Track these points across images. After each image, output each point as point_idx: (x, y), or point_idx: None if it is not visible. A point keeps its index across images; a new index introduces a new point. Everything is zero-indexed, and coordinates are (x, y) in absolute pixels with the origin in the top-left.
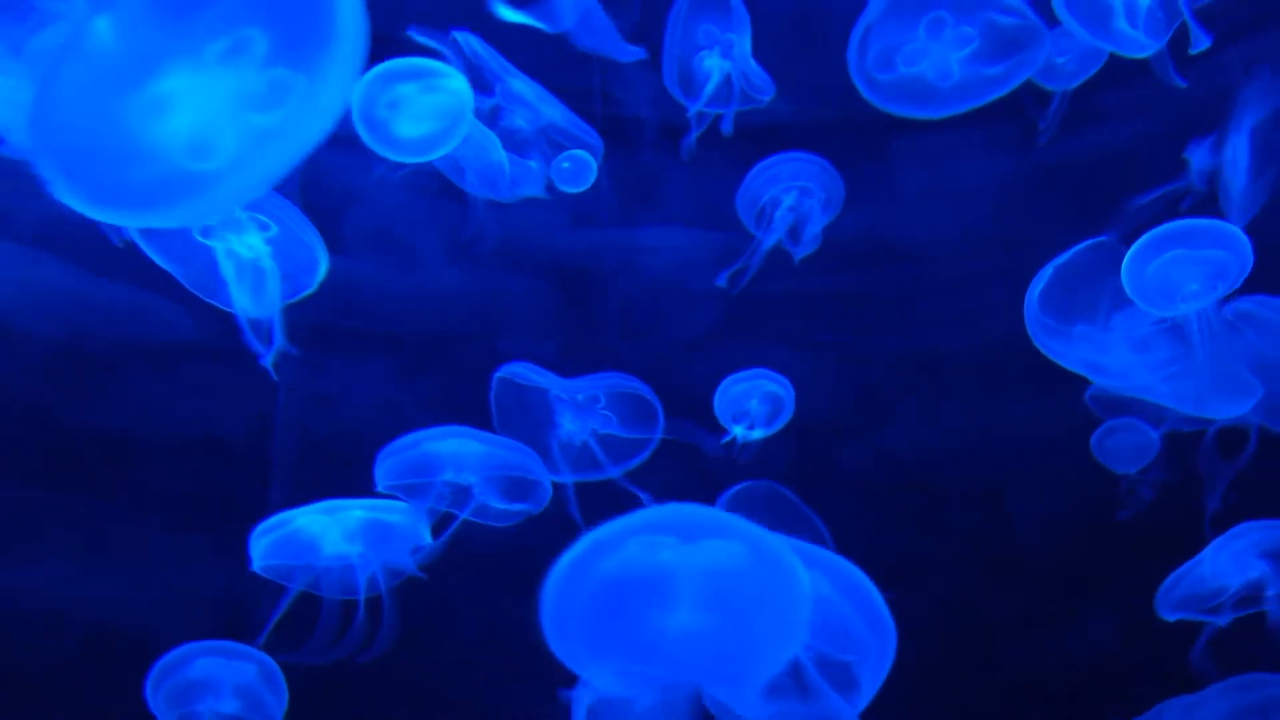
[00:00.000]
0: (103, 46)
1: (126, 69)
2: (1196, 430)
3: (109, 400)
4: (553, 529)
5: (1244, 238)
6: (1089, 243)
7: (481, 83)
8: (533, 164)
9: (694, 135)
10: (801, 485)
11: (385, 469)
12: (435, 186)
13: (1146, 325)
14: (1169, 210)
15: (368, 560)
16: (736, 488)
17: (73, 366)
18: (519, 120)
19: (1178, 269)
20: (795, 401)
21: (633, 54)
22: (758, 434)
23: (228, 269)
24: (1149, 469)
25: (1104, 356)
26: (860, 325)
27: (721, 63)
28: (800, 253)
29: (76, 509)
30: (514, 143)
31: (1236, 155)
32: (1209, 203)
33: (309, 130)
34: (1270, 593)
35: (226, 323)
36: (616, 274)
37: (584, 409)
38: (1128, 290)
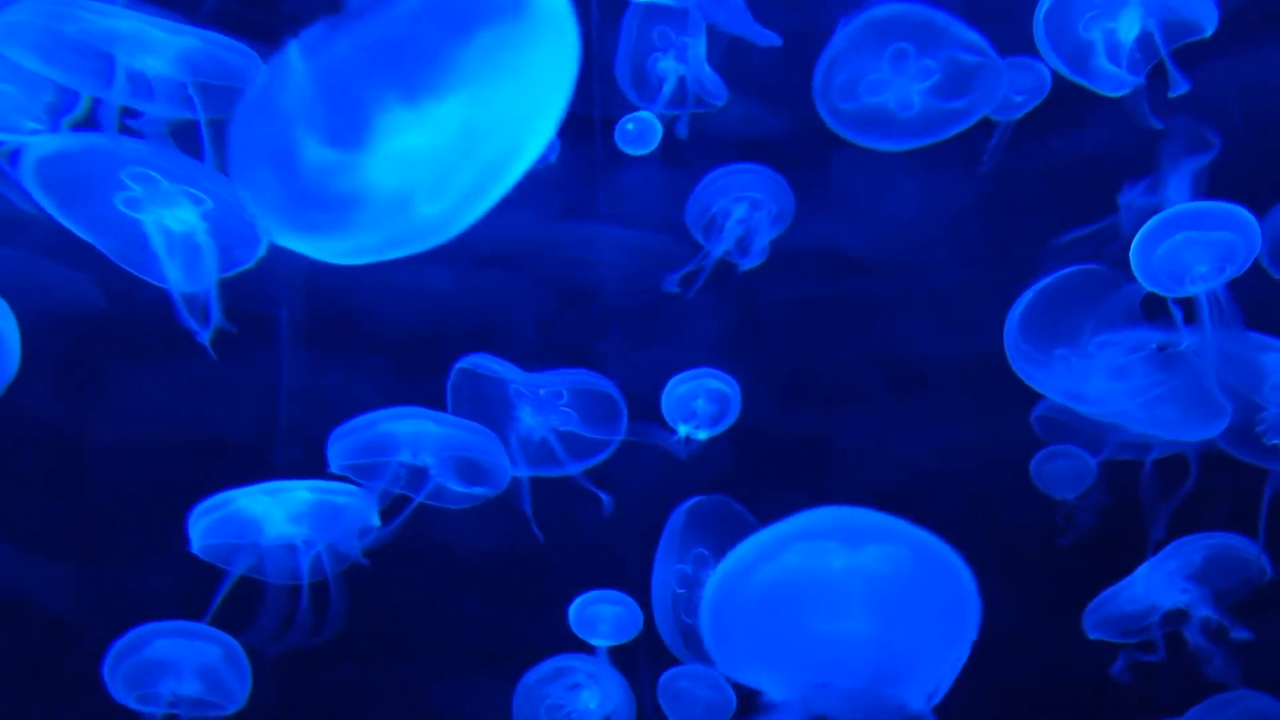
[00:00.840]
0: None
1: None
2: (1135, 459)
3: (109, 400)
4: (504, 521)
5: (1253, 220)
6: (1073, 268)
7: None
8: None
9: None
10: (752, 493)
11: (339, 449)
12: None
13: (1125, 353)
14: (1097, 251)
15: (313, 543)
16: (689, 502)
17: (72, 367)
18: None
19: (1186, 251)
20: (741, 401)
21: (768, 38)
22: (704, 434)
23: (158, 242)
24: (1087, 494)
25: (1082, 383)
26: (822, 336)
27: (676, 66)
28: (746, 264)
29: (82, 512)
30: None
31: (1176, 197)
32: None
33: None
34: (1195, 617)
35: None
36: (612, 275)
37: (545, 404)
38: (1136, 273)
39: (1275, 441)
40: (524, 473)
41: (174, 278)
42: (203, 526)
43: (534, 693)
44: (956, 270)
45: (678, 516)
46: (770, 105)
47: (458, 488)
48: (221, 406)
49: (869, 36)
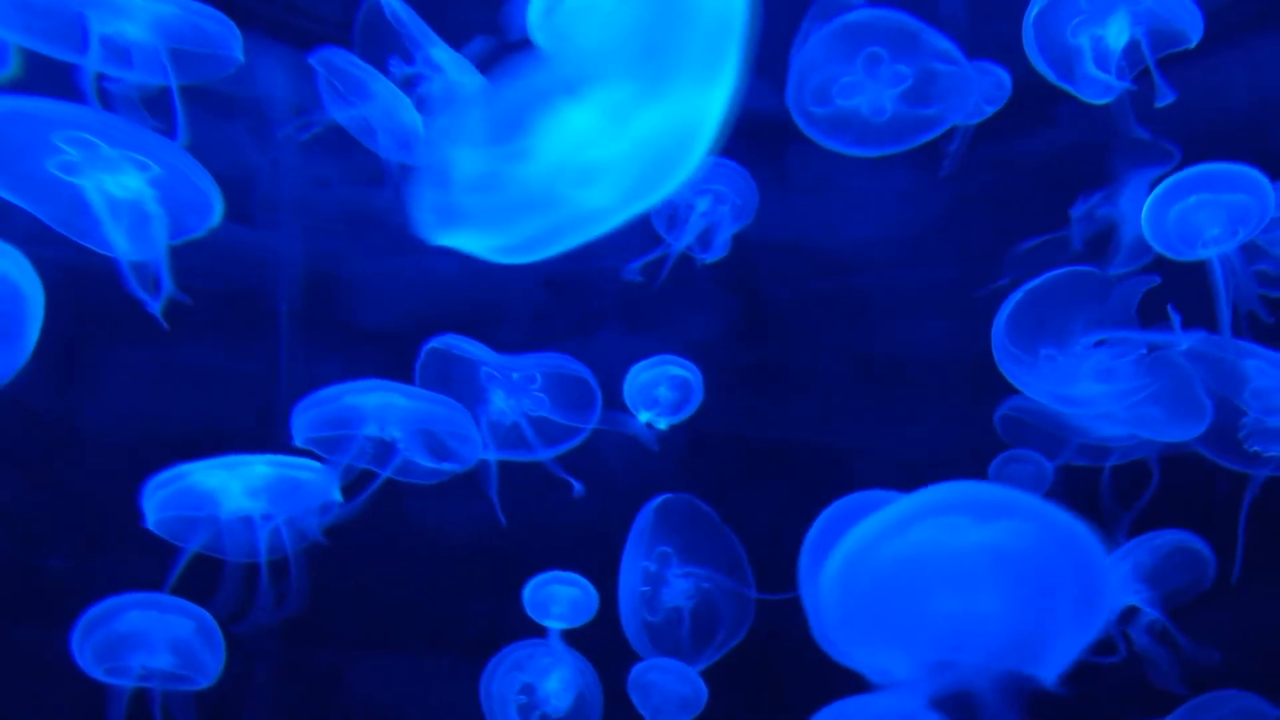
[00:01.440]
0: None
1: None
2: (1094, 464)
3: (107, 393)
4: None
5: (1267, 183)
6: (1063, 270)
7: (401, 49)
8: None
9: None
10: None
11: (303, 421)
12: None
13: (1113, 355)
14: (1051, 260)
15: (272, 518)
16: (657, 500)
17: (65, 354)
18: (436, 90)
19: (1199, 214)
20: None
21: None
22: (665, 422)
23: (100, 208)
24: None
25: (1068, 385)
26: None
27: None
28: (708, 258)
29: (74, 502)
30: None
31: (1131, 210)
32: (1090, 255)
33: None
34: (1143, 619)
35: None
36: (610, 264)
37: (517, 388)
38: (1147, 236)
39: (1256, 447)
40: (493, 456)
41: (120, 246)
42: (158, 500)
43: (499, 680)
44: (927, 270)
45: (646, 514)
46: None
47: (426, 463)
48: (219, 398)
49: (843, 41)
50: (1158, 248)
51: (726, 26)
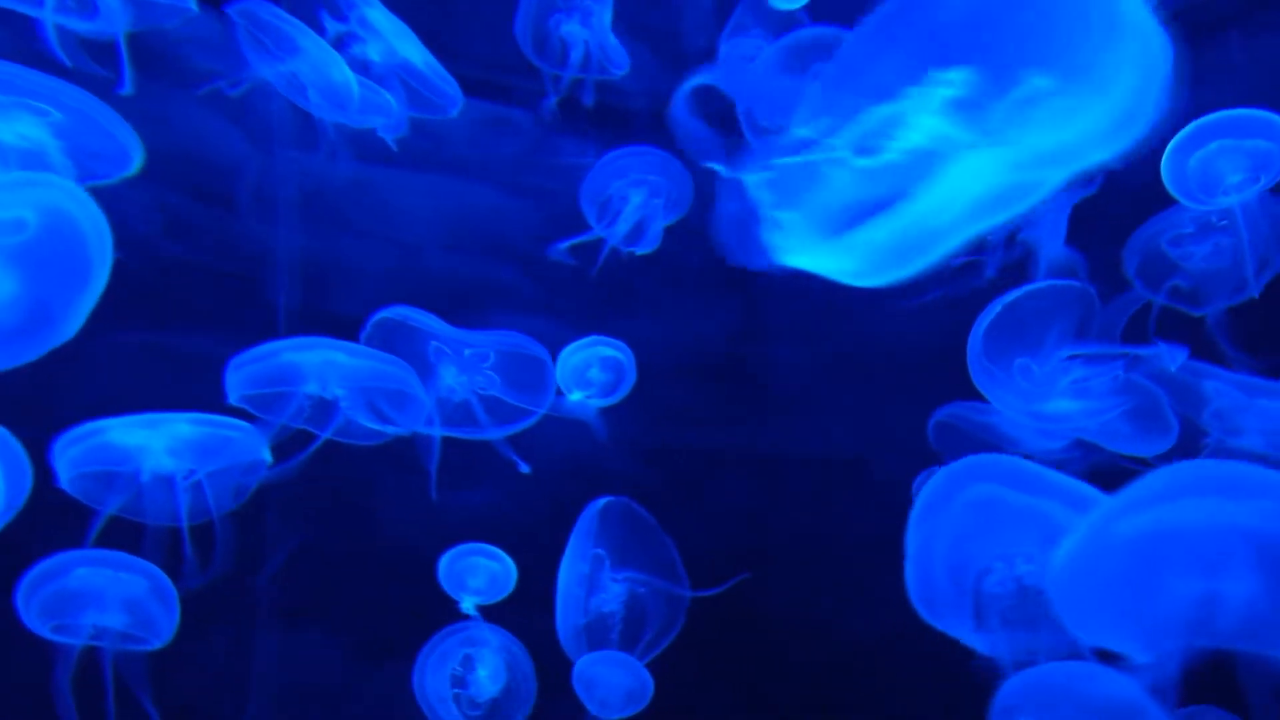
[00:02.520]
0: None
1: None
2: None
3: (98, 381)
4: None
5: None
6: (1040, 284)
7: (332, 5)
8: (390, 98)
9: (552, 100)
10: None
11: (238, 378)
12: (430, 167)
13: (1088, 372)
14: (972, 276)
15: (195, 479)
16: (600, 502)
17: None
18: (372, 53)
19: (1221, 160)
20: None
21: None
22: (598, 402)
23: None
24: None
25: (1041, 400)
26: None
27: (580, 30)
28: (640, 249)
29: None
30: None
31: (1048, 236)
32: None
33: None
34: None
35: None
36: (605, 260)
37: (469, 365)
38: (1167, 184)
39: None
40: (437, 432)
41: None
42: (70, 457)
43: (429, 670)
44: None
45: (588, 516)
46: None
47: (369, 423)
48: (212, 387)
49: (791, 58)
50: (1177, 196)
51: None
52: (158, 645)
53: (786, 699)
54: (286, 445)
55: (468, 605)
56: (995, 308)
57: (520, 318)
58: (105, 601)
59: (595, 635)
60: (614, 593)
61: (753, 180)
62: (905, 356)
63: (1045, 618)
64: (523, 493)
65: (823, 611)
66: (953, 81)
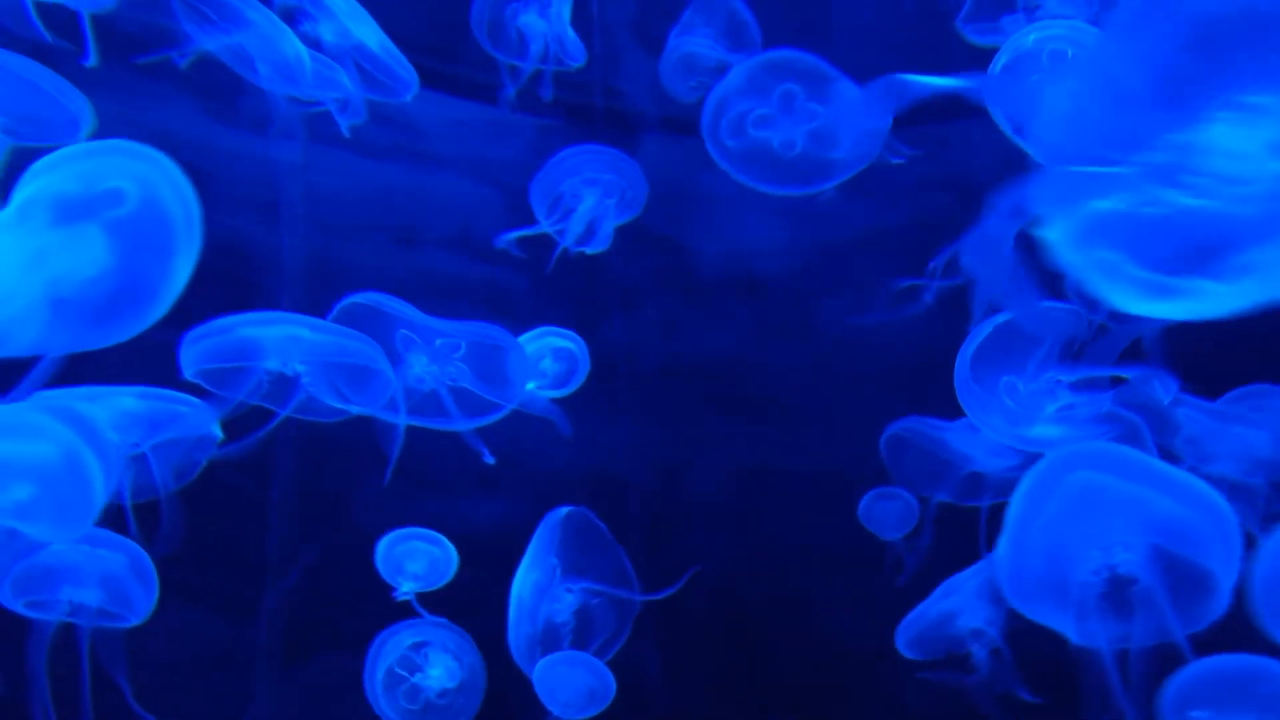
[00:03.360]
0: None
1: None
2: (973, 504)
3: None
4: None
5: None
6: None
7: None
8: (344, 79)
9: (510, 90)
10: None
11: (194, 353)
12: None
13: (1074, 399)
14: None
15: (139, 455)
16: (561, 511)
17: None
18: (325, 33)
19: None
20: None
21: None
22: (550, 393)
23: None
24: (913, 535)
25: (1027, 425)
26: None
27: (538, 21)
28: (591, 249)
29: None
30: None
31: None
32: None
33: None
34: (988, 635)
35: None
36: (621, 264)
37: (439, 355)
38: None
39: None
40: (403, 421)
41: None
42: None
43: (382, 666)
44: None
45: (547, 526)
46: None
47: (331, 401)
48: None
49: (762, 76)
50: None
51: None
52: (135, 622)
53: (762, 702)
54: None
55: (406, 589)
56: (986, 328)
57: (509, 317)
58: (82, 577)
59: (545, 643)
60: (566, 602)
61: (1060, 224)
62: (896, 371)
63: (1139, 606)
64: (536, 502)
65: (811, 618)
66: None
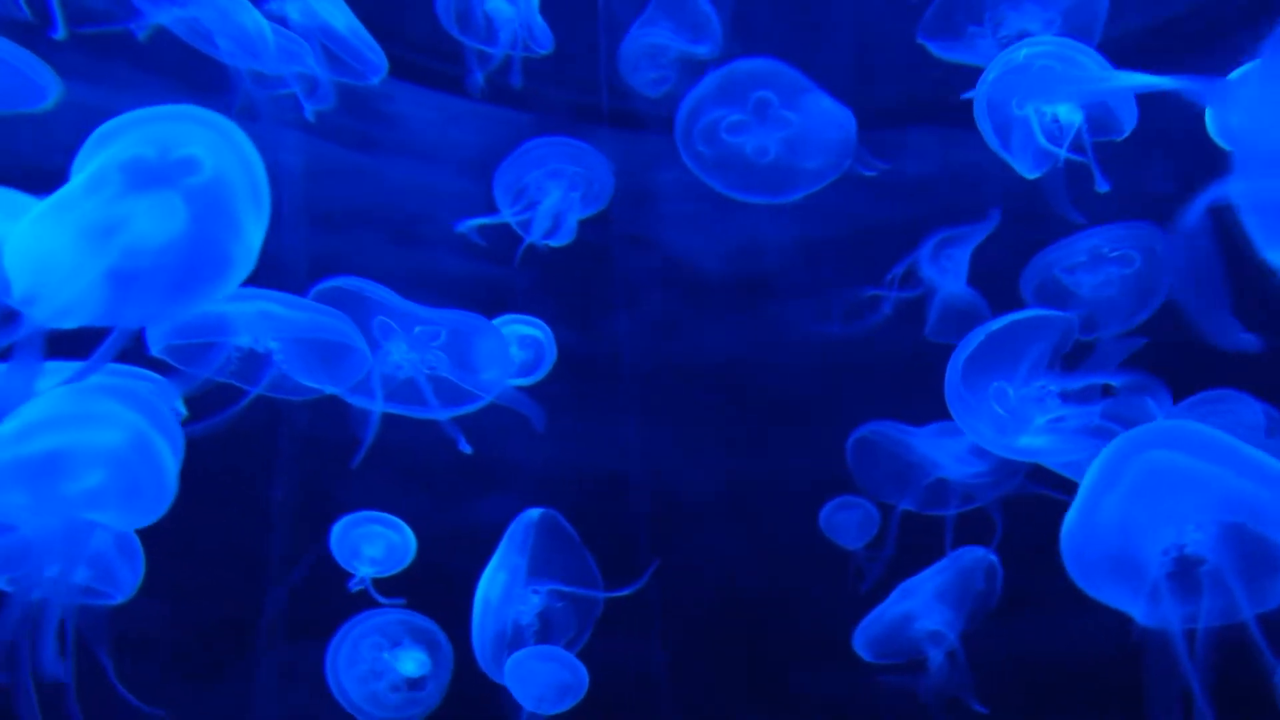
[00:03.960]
0: None
1: None
2: (939, 512)
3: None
4: None
5: None
6: (1023, 314)
7: None
8: (310, 56)
9: (478, 75)
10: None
11: (161, 329)
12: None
13: (1062, 409)
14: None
15: None
16: (530, 514)
17: None
18: (291, 11)
19: None
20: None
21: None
22: (517, 381)
23: None
24: (873, 544)
25: (1015, 435)
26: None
27: (505, 7)
28: (555, 242)
29: None
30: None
31: (942, 277)
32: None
33: None
34: (947, 640)
35: None
36: (623, 263)
37: (418, 342)
38: (1213, 134)
39: None
40: (378, 407)
41: None
42: None
43: (347, 655)
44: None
45: (518, 528)
46: None
47: (305, 379)
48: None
49: (735, 84)
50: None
51: None
52: (120, 599)
53: (765, 700)
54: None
55: (364, 573)
56: (978, 336)
57: (505, 311)
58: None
59: (509, 644)
60: (531, 604)
61: None
62: (899, 372)
63: (1208, 586)
64: (535, 500)
65: (814, 616)
66: None
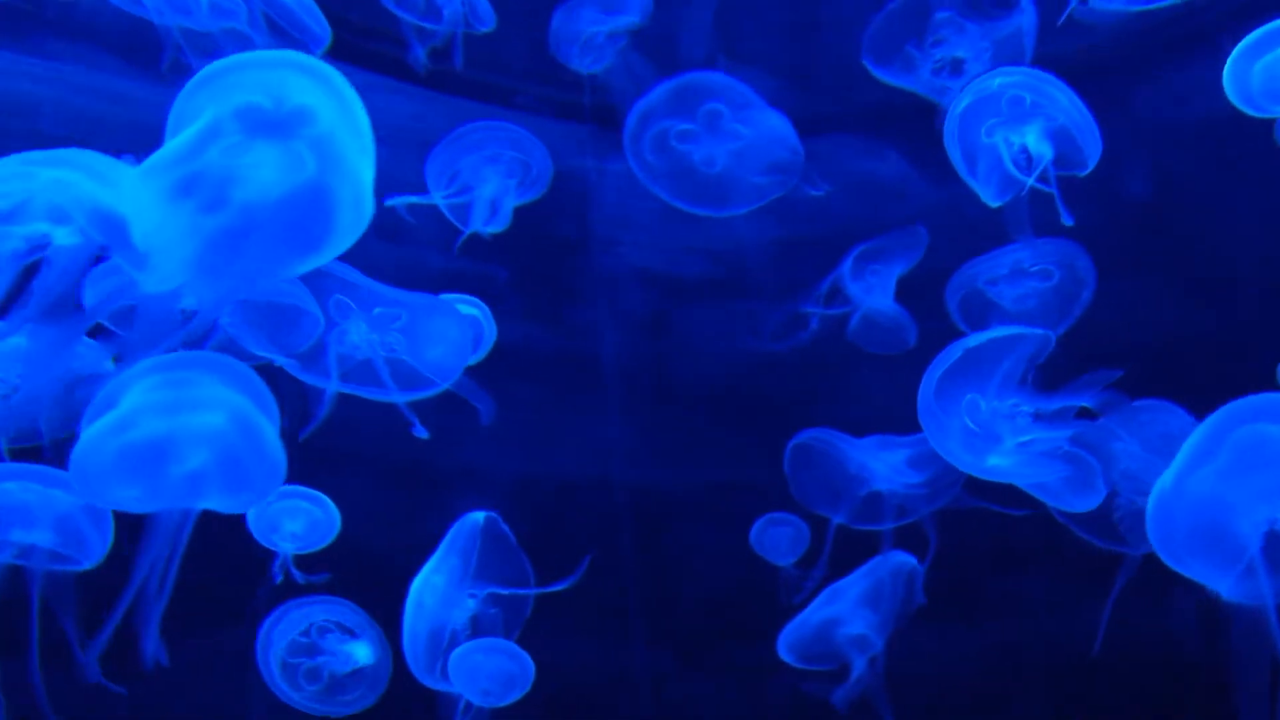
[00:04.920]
0: None
1: None
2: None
3: None
4: None
5: None
6: (1004, 331)
7: None
8: (243, 12)
9: (420, 51)
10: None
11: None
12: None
13: (1033, 431)
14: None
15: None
16: (471, 517)
17: None
18: None
19: None
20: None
21: None
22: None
23: None
24: (803, 561)
25: (985, 452)
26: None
27: None
28: (490, 229)
29: None
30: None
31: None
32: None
33: None
34: (872, 645)
35: None
36: (605, 258)
37: (377, 324)
38: (1229, 92)
39: (1127, 528)
40: (334, 387)
41: None
42: None
43: (279, 644)
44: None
45: (459, 531)
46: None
47: (253, 345)
48: None
49: (687, 94)
50: (1240, 105)
51: None
52: (88, 566)
53: (755, 701)
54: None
55: (284, 549)
56: (955, 353)
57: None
58: (34, 518)
59: (439, 646)
60: (466, 607)
61: None
62: (894, 371)
63: None
64: (529, 501)
65: None
66: None
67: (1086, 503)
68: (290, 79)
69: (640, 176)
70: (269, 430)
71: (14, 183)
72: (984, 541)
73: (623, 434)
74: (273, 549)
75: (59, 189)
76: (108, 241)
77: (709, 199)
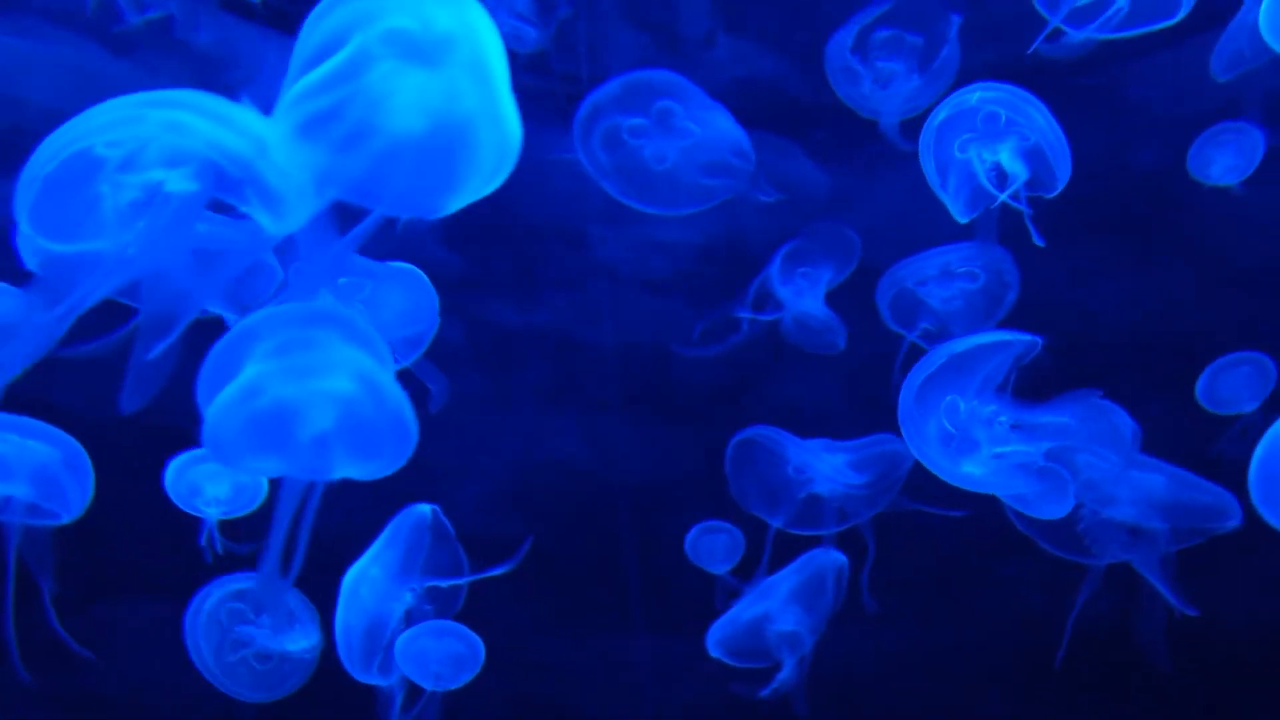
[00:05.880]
0: None
1: None
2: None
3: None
4: None
5: None
6: (989, 336)
7: None
8: None
9: None
10: None
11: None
12: None
13: (1010, 442)
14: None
15: None
16: (411, 510)
17: None
18: None
19: None
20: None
21: None
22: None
23: None
24: (738, 569)
25: (961, 459)
26: None
27: None
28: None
29: None
30: None
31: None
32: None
33: None
34: (802, 642)
35: None
36: (601, 246)
37: (342, 294)
38: (1267, 38)
39: (1091, 539)
40: None
41: None
42: None
43: (211, 620)
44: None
45: (399, 524)
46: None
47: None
48: None
49: (639, 91)
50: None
51: None
52: (67, 519)
53: (755, 695)
54: None
55: (209, 514)
56: (939, 357)
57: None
58: (12, 470)
59: (378, 640)
60: (403, 601)
61: None
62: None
63: None
64: (522, 490)
65: None
66: None
67: (1055, 511)
68: (430, 4)
69: (589, 171)
70: (397, 391)
71: (126, 128)
72: (939, 545)
73: (622, 425)
74: (197, 513)
75: (176, 132)
76: (233, 186)
77: (657, 198)
